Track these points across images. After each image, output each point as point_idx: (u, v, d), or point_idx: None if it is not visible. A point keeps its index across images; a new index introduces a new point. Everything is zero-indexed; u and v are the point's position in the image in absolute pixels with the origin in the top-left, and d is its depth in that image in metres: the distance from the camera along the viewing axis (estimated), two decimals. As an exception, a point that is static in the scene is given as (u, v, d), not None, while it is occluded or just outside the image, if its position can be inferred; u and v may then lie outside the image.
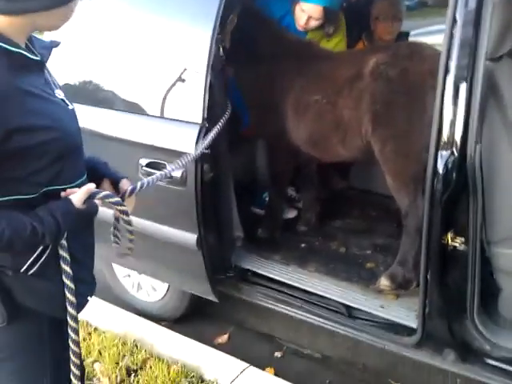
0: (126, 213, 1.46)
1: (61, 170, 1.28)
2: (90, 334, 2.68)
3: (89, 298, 1.49)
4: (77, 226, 1.33)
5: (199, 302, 2.78)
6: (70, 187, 1.31)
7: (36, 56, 1.26)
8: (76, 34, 2.45)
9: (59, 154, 1.26)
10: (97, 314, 2.80)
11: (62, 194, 1.29)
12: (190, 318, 2.89)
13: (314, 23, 2.70)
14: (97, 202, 1.33)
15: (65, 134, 1.27)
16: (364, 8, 3.15)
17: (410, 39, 3.44)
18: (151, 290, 2.93)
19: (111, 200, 1.38)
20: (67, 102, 1.36)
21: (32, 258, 1.28)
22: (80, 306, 1.43)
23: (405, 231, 2.37)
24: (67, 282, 1.34)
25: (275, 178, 2.89)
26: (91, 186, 1.32)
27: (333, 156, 2.63)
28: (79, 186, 1.33)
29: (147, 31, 2.35)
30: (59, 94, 1.34)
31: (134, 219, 2.49)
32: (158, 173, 1.74)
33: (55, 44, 1.36)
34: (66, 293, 1.35)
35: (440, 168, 1.83)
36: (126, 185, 1.51)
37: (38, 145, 1.21)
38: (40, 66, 1.29)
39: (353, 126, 2.36)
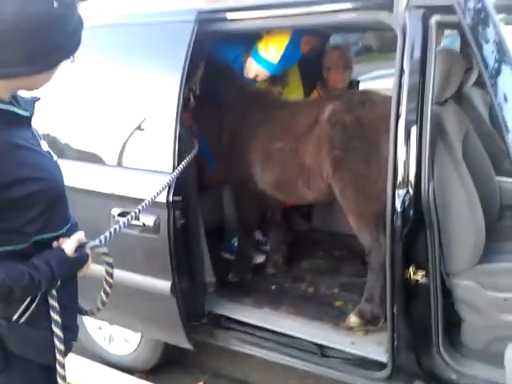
0: (111, 264, 1.55)
1: (49, 218, 1.35)
2: (61, 389, 2.61)
3: (73, 343, 1.53)
4: (69, 274, 1.38)
5: (173, 352, 2.77)
6: (57, 235, 1.37)
7: (24, 111, 1.34)
8: (48, 88, 2.54)
9: (48, 203, 1.33)
10: (69, 368, 2.75)
11: (54, 243, 1.35)
12: (164, 367, 2.87)
13: (261, 78, 2.89)
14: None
15: (53, 184, 1.35)
16: (317, 59, 3.35)
17: (361, 85, 3.67)
18: (123, 341, 2.91)
19: (100, 250, 1.47)
20: (52, 153, 1.44)
21: (22, 307, 1.32)
22: (66, 352, 1.46)
23: (369, 268, 2.48)
24: (56, 330, 1.39)
25: (243, 223, 2.98)
26: (81, 235, 1.40)
27: (298, 198, 2.75)
28: (66, 232, 1.40)
29: (117, 84, 2.47)
30: (44, 145, 1.42)
31: (103, 268, 2.54)
32: (120, 221, 1.78)
33: (36, 99, 1.45)
34: (55, 341, 1.39)
35: (398, 206, 1.95)
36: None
37: (30, 195, 1.27)
38: (28, 120, 1.37)
39: (315, 170, 2.50)
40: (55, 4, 1.21)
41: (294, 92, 3.11)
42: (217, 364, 2.93)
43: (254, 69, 2.79)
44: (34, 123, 1.42)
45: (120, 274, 2.39)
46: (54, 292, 1.37)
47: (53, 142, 2.63)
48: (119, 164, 2.41)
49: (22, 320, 1.33)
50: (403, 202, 1.96)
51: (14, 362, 1.35)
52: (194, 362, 2.92)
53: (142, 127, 2.34)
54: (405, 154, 1.94)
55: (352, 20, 2.12)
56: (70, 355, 2.80)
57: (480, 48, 1.80)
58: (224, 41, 2.90)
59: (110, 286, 1.60)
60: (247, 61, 2.83)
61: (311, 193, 2.60)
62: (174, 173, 2.14)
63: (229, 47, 2.94)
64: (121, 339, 2.92)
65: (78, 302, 1.58)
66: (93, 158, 2.51)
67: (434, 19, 1.83)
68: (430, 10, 1.84)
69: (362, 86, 3.73)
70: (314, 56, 3.47)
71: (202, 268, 2.57)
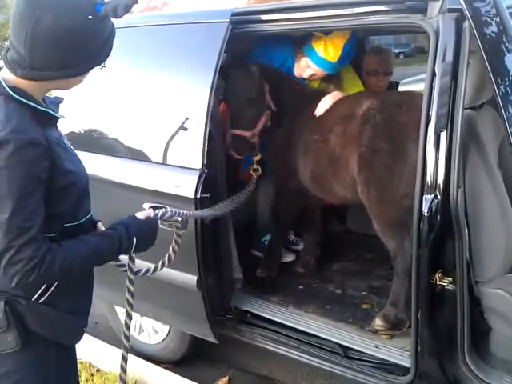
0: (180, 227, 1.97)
1: (78, 208, 1.48)
2: (92, 375, 2.73)
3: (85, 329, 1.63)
4: (142, 233, 1.60)
5: (200, 345, 2.83)
6: (79, 223, 1.49)
7: (53, 112, 1.44)
8: (90, 91, 2.66)
9: (79, 193, 1.47)
10: (99, 355, 2.86)
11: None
12: (191, 360, 2.93)
13: (315, 77, 2.87)
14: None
15: (82, 177, 1.49)
16: (356, 62, 3.32)
17: (403, 87, 3.62)
18: (152, 332, 3.00)
19: (168, 214, 1.81)
20: (74, 150, 1.56)
21: (42, 288, 1.41)
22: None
23: (394, 273, 2.45)
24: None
25: (279, 221, 3.00)
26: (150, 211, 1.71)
27: (331, 194, 2.74)
28: (86, 222, 1.54)
29: (152, 83, 2.54)
30: (67, 143, 1.53)
31: (137, 261, 2.61)
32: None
33: (60, 100, 1.55)
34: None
35: (425, 211, 1.93)
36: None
37: (68, 186, 1.41)
38: (57, 120, 1.48)
39: (342, 164, 2.50)
40: (90, 17, 1.31)
41: (352, 88, 3.08)
42: (242, 359, 2.97)
43: (311, 68, 2.78)
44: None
45: (150, 267, 2.51)
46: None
47: (92, 137, 2.74)
48: (152, 160, 2.48)
49: (42, 300, 1.42)
50: (430, 207, 1.93)
51: (34, 339, 1.43)
52: (221, 357, 2.97)
53: (174, 125, 2.40)
54: (434, 158, 1.91)
55: (385, 23, 2.10)
56: (100, 343, 2.96)
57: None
58: (268, 44, 2.92)
59: (178, 245, 1.96)
60: (301, 60, 2.82)
61: (340, 187, 2.59)
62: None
63: (276, 50, 2.94)
64: (150, 329, 3.00)
65: (92, 289, 1.71)
66: (127, 154, 2.59)
67: (468, 23, 1.80)
68: (464, 14, 1.81)
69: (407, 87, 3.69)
70: (354, 58, 3.47)
71: (229, 264, 2.60)
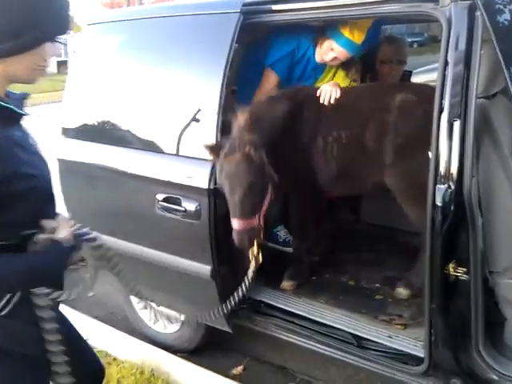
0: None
1: (39, 214, 1.39)
2: (109, 363, 2.77)
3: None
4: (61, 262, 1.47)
5: (215, 334, 2.85)
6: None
7: (17, 108, 1.35)
8: (103, 82, 2.69)
9: (40, 198, 1.38)
10: (116, 344, 2.91)
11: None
12: (205, 349, 2.96)
13: (337, 62, 2.83)
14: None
15: (44, 182, 1.40)
16: (370, 50, 3.30)
17: (416, 77, 3.59)
18: (167, 321, 3.04)
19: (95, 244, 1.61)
20: (40, 151, 1.47)
21: (4, 301, 1.37)
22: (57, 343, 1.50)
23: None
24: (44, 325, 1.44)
25: (305, 229, 2.88)
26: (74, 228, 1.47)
27: (357, 187, 2.74)
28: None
29: (162, 76, 2.55)
30: (34, 143, 1.44)
31: (151, 252, 2.64)
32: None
33: (26, 96, 1.46)
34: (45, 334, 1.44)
35: (438, 201, 1.92)
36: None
37: (26, 190, 1.32)
38: (21, 117, 1.39)
39: (375, 155, 2.49)
40: None
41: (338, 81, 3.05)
42: (257, 349, 3.00)
43: (334, 51, 2.75)
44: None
45: (164, 256, 2.54)
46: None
47: (105, 128, 2.77)
48: (165, 151, 2.49)
49: (4, 313, 1.36)
50: (444, 197, 1.92)
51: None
52: (235, 346, 3.00)
53: (186, 116, 2.41)
54: (447, 148, 1.90)
55: (398, 11, 2.08)
56: (117, 332, 3.00)
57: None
58: (289, 34, 2.87)
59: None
60: (324, 44, 2.78)
61: (369, 180, 2.58)
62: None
63: (306, 36, 2.88)
64: (166, 319, 3.04)
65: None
66: (140, 145, 2.61)
67: (480, 12, 1.77)
68: (476, 3, 1.79)
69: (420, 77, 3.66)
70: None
71: (243, 255, 2.62)
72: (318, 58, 2.85)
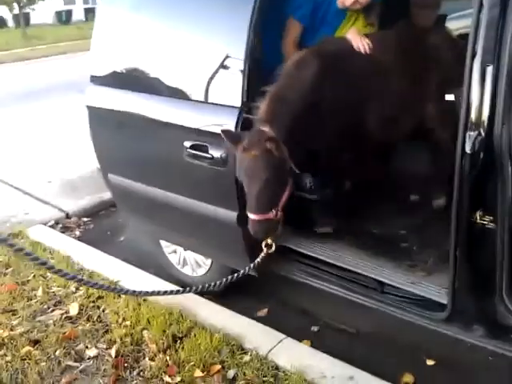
0: None
1: None
2: (139, 304, 2.89)
3: None
4: None
5: (241, 278, 2.93)
6: None
7: None
8: (130, 29, 2.67)
9: None
10: (146, 286, 3.01)
11: None
12: (231, 292, 3.05)
13: (357, 6, 2.76)
14: None
15: None
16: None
17: (451, 21, 3.46)
18: (196, 265, 3.13)
19: None
20: None
21: None
22: None
23: None
24: None
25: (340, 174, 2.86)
26: None
27: (399, 132, 2.81)
28: None
29: (190, 25, 2.53)
30: None
31: (179, 198, 2.69)
32: None
33: None
34: None
35: (468, 148, 1.90)
36: None
37: None
38: None
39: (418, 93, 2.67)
40: None
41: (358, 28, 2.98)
42: (282, 293, 3.08)
43: None
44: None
45: (192, 203, 2.59)
46: None
47: (133, 76, 2.78)
48: (191, 98, 2.50)
49: None
50: (474, 145, 1.89)
51: None
52: (260, 290, 3.07)
53: (213, 63, 2.39)
54: (478, 94, 1.86)
55: None
56: (147, 275, 3.11)
57: None
58: None
59: None
60: None
61: (410, 120, 2.71)
62: None
63: None
64: (193, 263, 3.13)
65: None
66: (167, 92, 2.61)
67: None
68: None
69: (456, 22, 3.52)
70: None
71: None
72: (339, 4, 2.78)
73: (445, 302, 2.20)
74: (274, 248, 2.29)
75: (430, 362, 2.53)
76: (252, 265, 2.34)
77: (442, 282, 2.29)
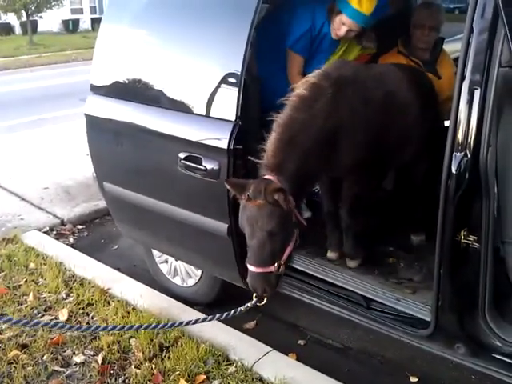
0: None
1: None
2: (128, 312, 2.91)
3: None
4: None
5: (230, 289, 2.95)
6: None
7: None
8: (131, 42, 2.74)
9: None
10: (136, 295, 3.04)
11: None
12: (220, 303, 3.07)
13: (352, 34, 2.84)
14: None
15: None
16: (404, 14, 3.26)
17: (450, 44, 3.52)
18: (186, 275, 3.15)
19: None
20: None
21: None
22: None
23: None
24: None
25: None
26: None
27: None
28: None
29: (188, 40, 2.59)
30: None
31: (172, 208, 2.72)
32: None
33: None
34: None
35: (453, 168, 1.94)
36: None
37: None
38: None
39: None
40: None
41: (352, 52, 3.08)
42: (270, 306, 3.06)
43: (345, 25, 2.76)
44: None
45: (184, 213, 2.62)
46: None
47: (132, 87, 2.83)
48: (187, 110, 2.54)
49: None
50: (459, 165, 1.94)
51: None
52: (249, 302, 3.08)
53: (209, 77, 2.44)
54: (466, 116, 1.91)
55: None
56: (137, 284, 3.13)
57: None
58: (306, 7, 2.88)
59: None
60: (335, 19, 2.79)
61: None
62: None
63: (322, 10, 2.87)
64: (184, 273, 3.16)
65: None
66: (166, 104, 2.65)
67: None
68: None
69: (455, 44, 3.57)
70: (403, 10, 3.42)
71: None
72: (333, 35, 2.86)
73: (428, 319, 2.23)
74: (265, 301, 2.14)
75: (413, 379, 2.55)
76: (234, 311, 2.21)
77: (427, 299, 2.32)
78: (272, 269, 2.01)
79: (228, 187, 2.09)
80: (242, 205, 2.05)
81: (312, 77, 2.27)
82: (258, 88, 2.62)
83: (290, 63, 2.92)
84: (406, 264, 2.64)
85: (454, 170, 1.95)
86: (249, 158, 2.17)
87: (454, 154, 1.95)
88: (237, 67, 2.32)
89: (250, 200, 2.00)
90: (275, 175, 2.05)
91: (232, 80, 2.35)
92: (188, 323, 2.26)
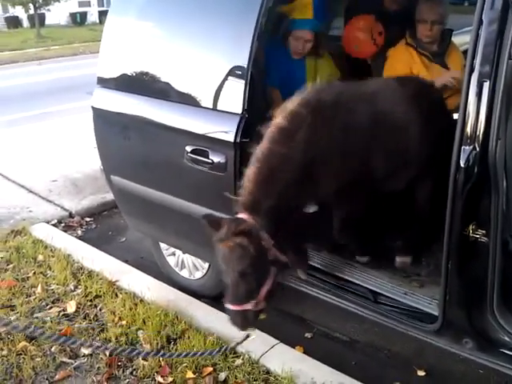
0: None
1: None
2: (136, 304, 2.92)
3: None
4: None
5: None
6: None
7: None
8: (137, 35, 2.73)
9: None
10: (143, 287, 3.05)
11: None
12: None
13: (309, 45, 2.99)
14: None
15: None
16: (410, 7, 3.22)
17: (459, 36, 3.48)
18: (193, 268, 3.16)
19: None
20: None
21: None
22: None
23: None
24: None
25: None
26: None
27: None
28: None
29: (195, 33, 2.59)
30: None
31: (179, 201, 2.72)
32: None
33: None
34: None
35: (462, 162, 1.93)
36: None
37: None
38: None
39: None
40: None
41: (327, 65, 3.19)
42: (276, 299, 3.07)
43: (301, 39, 2.94)
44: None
45: (191, 206, 2.62)
46: None
47: (139, 79, 2.83)
48: (194, 103, 2.54)
49: None
50: (468, 159, 1.93)
51: None
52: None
53: (216, 69, 2.43)
54: (475, 108, 1.89)
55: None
56: (145, 276, 3.15)
57: None
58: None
59: None
60: (291, 42, 2.98)
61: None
62: None
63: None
64: (191, 266, 3.17)
65: None
66: (173, 97, 2.65)
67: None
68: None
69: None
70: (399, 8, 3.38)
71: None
72: (295, 56, 3.02)
73: (436, 313, 2.22)
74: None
75: (420, 373, 2.55)
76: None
77: (434, 293, 2.31)
78: (249, 307, 2.02)
79: (205, 224, 2.07)
80: (216, 244, 2.05)
81: (291, 103, 2.13)
82: (265, 81, 2.61)
83: (273, 100, 2.81)
84: (414, 258, 2.62)
85: (462, 164, 1.93)
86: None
87: (463, 147, 1.94)
88: (243, 60, 2.31)
89: (221, 240, 2.00)
90: (249, 214, 2.02)
91: (239, 73, 2.34)
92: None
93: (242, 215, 2.04)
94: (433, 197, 2.58)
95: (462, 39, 3.67)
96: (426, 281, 2.46)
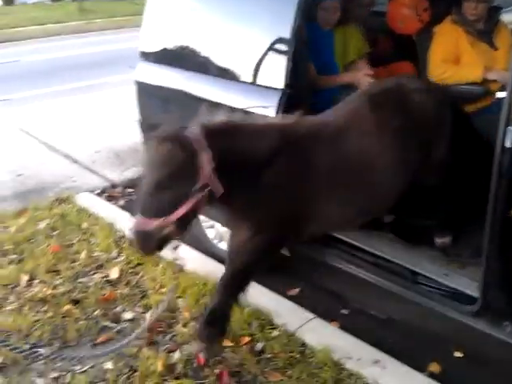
0: None
1: None
2: (175, 273, 2.99)
3: None
4: None
5: (275, 257, 2.98)
6: None
7: None
8: (180, 10, 2.74)
9: None
10: (183, 257, 3.11)
11: None
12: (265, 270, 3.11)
13: (337, 14, 2.99)
14: None
15: None
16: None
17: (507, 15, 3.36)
18: (232, 241, 3.20)
19: None
20: None
21: None
22: None
23: None
24: None
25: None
26: None
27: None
28: None
29: (237, 7, 2.61)
30: None
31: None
32: None
33: None
34: None
35: (508, 143, 1.89)
36: None
37: None
38: None
39: None
40: None
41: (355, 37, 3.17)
42: (314, 275, 3.12)
43: (330, 8, 2.92)
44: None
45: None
46: None
47: (180, 54, 2.85)
48: (237, 78, 2.55)
49: None
50: (515, 140, 1.88)
51: None
52: (293, 270, 3.12)
53: (259, 44, 2.43)
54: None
55: None
56: (186, 248, 3.21)
57: None
58: None
59: None
60: (319, 13, 2.94)
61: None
62: None
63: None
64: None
65: None
66: (214, 72, 2.67)
67: None
68: None
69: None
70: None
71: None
72: (325, 27, 2.98)
73: (476, 295, 2.21)
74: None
75: (458, 354, 2.52)
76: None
77: (475, 275, 2.29)
78: (153, 225, 1.81)
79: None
80: (148, 144, 1.93)
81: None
82: (308, 54, 2.58)
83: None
84: (454, 236, 2.59)
85: (508, 144, 1.90)
86: None
87: (509, 127, 1.90)
88: (286, 32, 2.29)
89: (157, 140, 1.87)
90: (203, 136, 1.87)
91: (281, 46, 2.33)
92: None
93: (195, 131, 1.90)
94: (465, 176, 2.54)
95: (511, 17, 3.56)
96: (467, 262, 2.44)
